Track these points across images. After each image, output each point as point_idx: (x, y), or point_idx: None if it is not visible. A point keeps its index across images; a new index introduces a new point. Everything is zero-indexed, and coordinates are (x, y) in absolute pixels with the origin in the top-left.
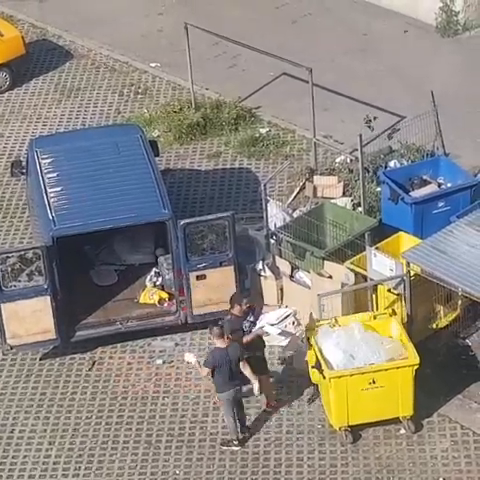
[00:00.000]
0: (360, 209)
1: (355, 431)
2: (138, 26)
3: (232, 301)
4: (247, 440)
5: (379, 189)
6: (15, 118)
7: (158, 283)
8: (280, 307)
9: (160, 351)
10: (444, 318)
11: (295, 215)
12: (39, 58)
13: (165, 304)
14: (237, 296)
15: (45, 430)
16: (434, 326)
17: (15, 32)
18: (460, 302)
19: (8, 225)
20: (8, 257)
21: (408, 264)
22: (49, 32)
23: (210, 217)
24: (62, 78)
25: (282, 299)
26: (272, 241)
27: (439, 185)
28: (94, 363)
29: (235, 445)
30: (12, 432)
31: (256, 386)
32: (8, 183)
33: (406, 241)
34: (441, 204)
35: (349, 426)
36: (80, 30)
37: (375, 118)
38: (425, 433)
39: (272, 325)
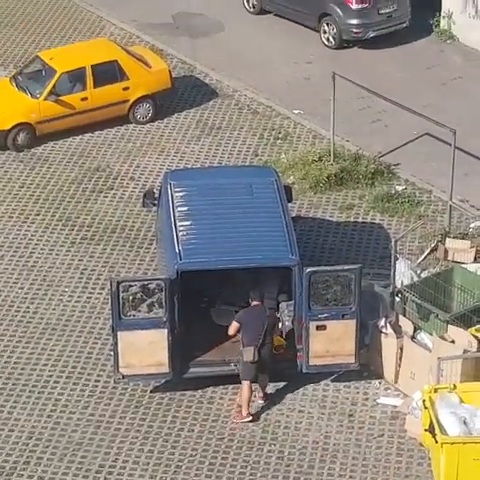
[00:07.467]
0: None
1: None
2: (286, 72)
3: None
4: None
5: None
6: (153, 150)
7: (277, 329)
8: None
9: None
10: None
11: (423, 275)
12: (184, 93)
13: (281, 350)
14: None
15: (148, 463)
16: None
17: (163, 65)
18: None
19: (134, 255)
20: (131, 286)
21: None
22: (197, 69)
23: (337, 268)
24: (204, 115)
25: (401, 359)
26: (397, 299)
27: None
28: None
29: None
30: (115, 461)
31: None
32: (139, 213)
33: None
34: None
35: None
36: (228, 70)
37: None
38: None
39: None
